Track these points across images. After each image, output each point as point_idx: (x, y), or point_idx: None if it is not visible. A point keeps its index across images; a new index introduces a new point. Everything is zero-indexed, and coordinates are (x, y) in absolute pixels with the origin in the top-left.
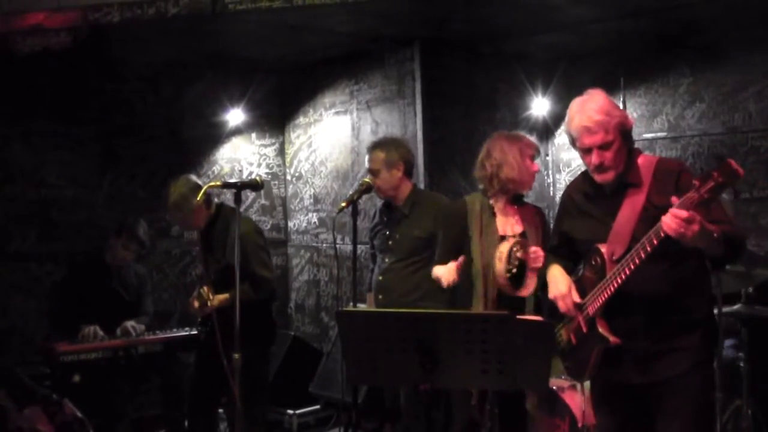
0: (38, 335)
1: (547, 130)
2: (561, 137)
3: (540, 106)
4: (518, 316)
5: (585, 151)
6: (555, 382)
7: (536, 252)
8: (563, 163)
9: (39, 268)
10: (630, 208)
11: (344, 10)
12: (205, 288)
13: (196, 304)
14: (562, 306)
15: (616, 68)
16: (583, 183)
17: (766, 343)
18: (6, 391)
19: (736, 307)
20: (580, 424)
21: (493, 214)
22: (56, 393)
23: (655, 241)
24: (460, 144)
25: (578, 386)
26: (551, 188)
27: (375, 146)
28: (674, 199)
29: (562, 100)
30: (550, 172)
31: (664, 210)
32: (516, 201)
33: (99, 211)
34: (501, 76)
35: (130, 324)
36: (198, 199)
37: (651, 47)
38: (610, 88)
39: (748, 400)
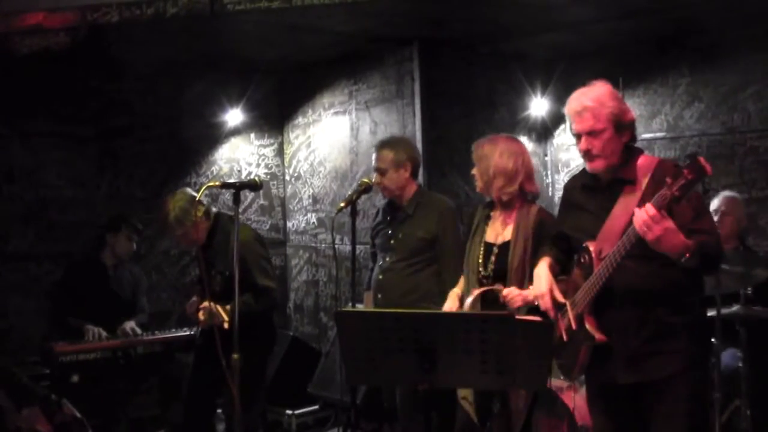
0: (37, 335)
1: (545, 130)
2: (560, 137)
3: (539, 106)
4: (517, 317)
5: (576, 138)
6: (554, 383)
7: (509, 295)
8: (562, 163)
9: (38, 268)
10: (623, 206)
11: (343, 10)
12: (220, 308)
13: (202, 317)
14: (542, 304)
15: (614, 68)
16: (582, 176)
17: (764, 343)
18: (5, 391)
19: (734, 308)
20: (579, 424)
21: (487, 222)
22: (55, 393)
23: (633, 239)
24: (459, 144)
25: (576, 386)
26: (550, 188)
27: (383, 145)
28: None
29: (561, 100)
30: (548, 172)
31: None
32: (507, 206)
33: (98, 211)
34: (500, 76)
35: (129, 326)
36: (198, 212)
37: (650, 47)
38: None
39: (746, 400)
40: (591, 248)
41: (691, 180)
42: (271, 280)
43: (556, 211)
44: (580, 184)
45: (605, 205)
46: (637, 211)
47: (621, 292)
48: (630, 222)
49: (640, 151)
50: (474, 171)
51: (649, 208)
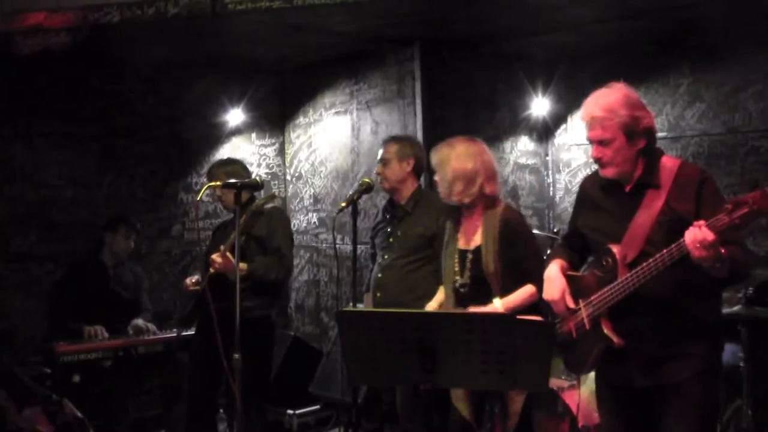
0: (38, 335)
1: (547, 130)
2: (561, 137)
3: (540, 106)
4: (518, 317)
5: (590, 143)
6: (555, 382)
7: None
8: (563, 163)
9: (39, 268)
10: (647, 210)
11: (344, 10)
12: (230, 255)
13: (218, 259)
14: (554, 309)
15: (615, 68)
16: (601, 176)
17: (765, 343)
18: (6, 391)
19: (735, 308)
20: (580, 424)
21: (458, 229)
22: (56, 393)
23: (677, 256)
24: None
25: (577, 385)
26: (551, 188)
27: (391, 139)
28: (699, 223)
29: (562, 100)
30: (549, 172)
31: (682, 216)
32: (471, 209)
33: (99, 211)
34: (501, 76)
35: (140, 320)
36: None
37: (651, 47)
38: None
39: (748, 400)
40: (615, 252)
41: (757, 211)
42: (290, 259)
43: (555, 211)
44: (599, 183)
45: (626, 208)
46: (690, 233)
47: (641, 297)
48: (654, 225)
49: (661, 152)
50: (435, 178)
51: (708, 234)
